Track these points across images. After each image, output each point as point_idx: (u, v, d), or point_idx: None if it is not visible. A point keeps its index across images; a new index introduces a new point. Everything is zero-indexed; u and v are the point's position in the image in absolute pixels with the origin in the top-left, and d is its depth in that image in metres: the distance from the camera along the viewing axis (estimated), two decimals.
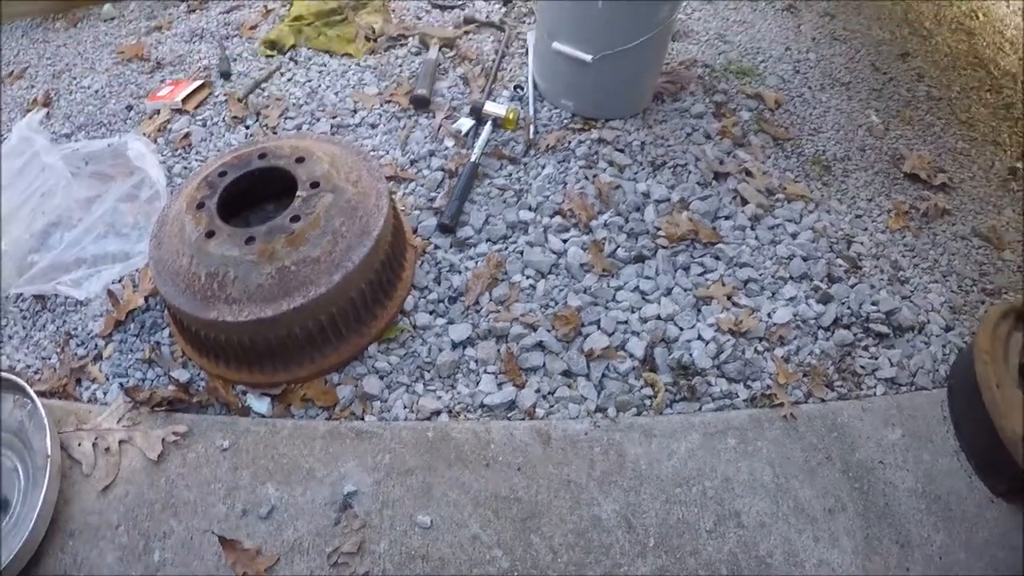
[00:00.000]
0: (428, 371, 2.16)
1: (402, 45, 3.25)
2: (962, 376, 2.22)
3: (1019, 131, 3.46)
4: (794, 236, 2.55)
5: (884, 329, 2.35)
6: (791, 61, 3.41)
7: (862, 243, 2.60)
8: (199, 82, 3.08)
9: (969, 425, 2.18)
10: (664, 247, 2.43)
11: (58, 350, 2.26)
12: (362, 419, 2.06)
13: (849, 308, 2.38)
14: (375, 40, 3.28)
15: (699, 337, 2.24)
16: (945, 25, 4.03)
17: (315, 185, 2.09)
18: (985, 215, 2.93)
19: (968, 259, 2.71)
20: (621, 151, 2.72)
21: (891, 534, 1.97)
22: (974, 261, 2.71)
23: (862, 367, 2.27)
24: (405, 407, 2.09)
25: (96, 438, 2.02)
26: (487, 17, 3.38)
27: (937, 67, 3.67)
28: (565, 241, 2.43)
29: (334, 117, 2.89)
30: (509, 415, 2.08)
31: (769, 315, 2.32)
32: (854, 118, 3.18)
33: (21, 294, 2.40)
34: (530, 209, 2.51)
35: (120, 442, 2.01)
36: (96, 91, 3.18)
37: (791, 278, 2.43)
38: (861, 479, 2.05)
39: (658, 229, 2.47)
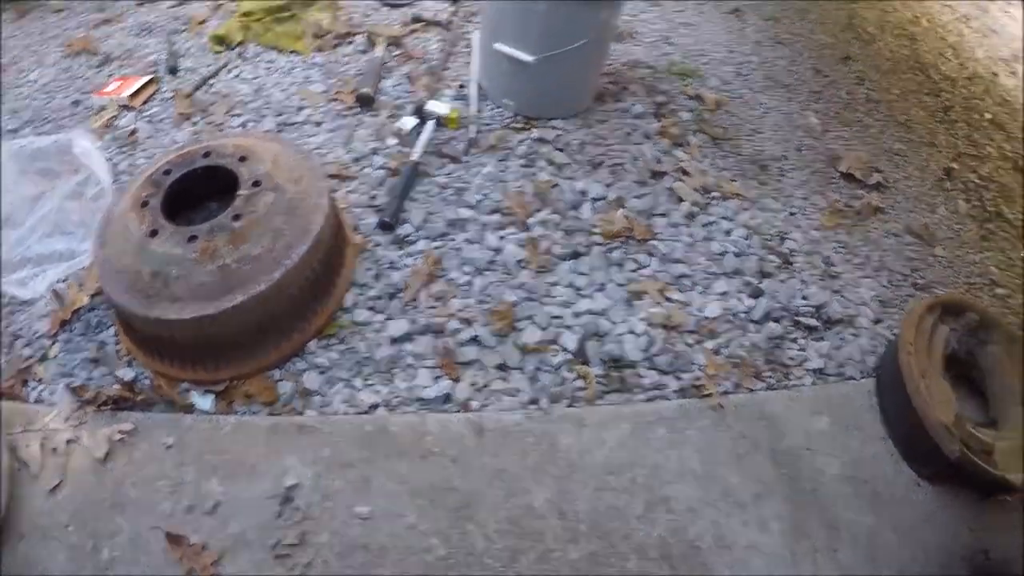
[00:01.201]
0: (367, 366, 2.18)
1: (349, 43, 3.26)
2: (889, 367, 2.29)
3: (955, 133, 3.55)
4: (728, 233, 2.61)
5: (813, 322, 2.42)
6: (733, 63, 3.48)
7: (795, 240, 2.67)
8: (147, 78, 3.08)
9: (895, 413, 2.25)
10: (599, 244, 2.48)
11: (5, 351, 2.24)
12: (302, 414, 2.09)
13: (779, 302, 2.44)
14: (323, 37, 3.29)
15: (631, 331, 2.29)
16: (888, 30, 4.13)
17: (257, 184, 2.11)
18: (919, 213, 3.02)
19: (900, 255, 2.79)
20: (561, 150, 2.76)
21: (819, 517, 2.04)
22: (905, 257, 2.79)
23: (791, 359, 2.33)
24: (344, 401, 2.11)
25: (43, 439, 2.01)
26: (435, 16, 3.41)
27: (878, 71, 3.75)
28: (502, 238, 2.47)
29: (279, 115, 2.90)
30: (445, 408, 2.12)
31: (700, 309, 2.38)
32: (793, 119, 3.25)
33: None
34: (469, 207, 2.54)
35: (67, 442, 2.01)
36: (43, 85, 3.15)
37: (724, 274, 2.49)
38: (789, 466, 2.11)
39: (594, 226, 2.52)
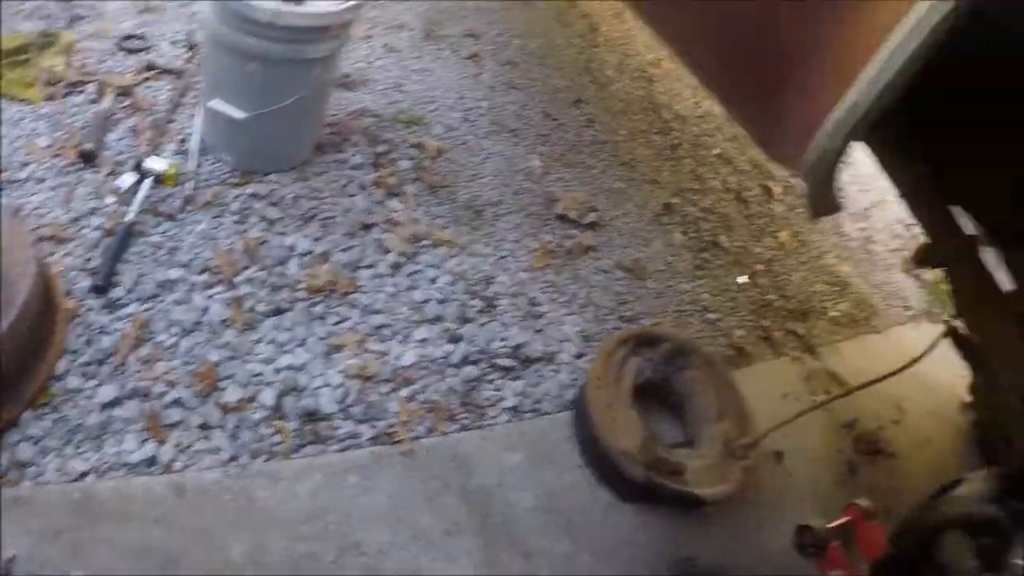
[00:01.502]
0: (79, 433, 2.21)
1: (80, 91, 3.19)
2: (582, 400, 2.52)
3: (680, 169, 3.88)
4: (433, 281, 2.78)
5: (510, 362, 2.63)
6: (462, 109, 3.64)
7: (502, 283, 2.88)
8: None
9: (587, 444, 2.49)
10: (303, 299, 2.59)
11: None
12: (18, 485, 2.09)
13: (477, 346, 2.64)
14: (55, 85, 3.22)
15: (327, 384, 2.42)
16: (627, 73, 4.43)
17: None
18: (633, 248, 3.30)
19: (608, 291, 3.05)
20: (274, 205, 2.83)
21: (512, 548, 2.24)
22: (614, 292, 3.06)
23: (486, 399, 2.53)
24: (57, 471, 2.13)
25: None
26: (168, 63, 3.38)
27: (609, 112, 4.04)
28: (210, 297, 2.53)
29: (3, 172, 2.86)
30: (150, 471, 2.18)
31: (398, 358, 2.54)
32: (515, 163, 3.46)
33: None
34: (181, 266, 2.59)
35: None
36: None
37: (425, 321, 2.66)
38: (479, 502, 2.30)
39: (299, 282, 2.62)
